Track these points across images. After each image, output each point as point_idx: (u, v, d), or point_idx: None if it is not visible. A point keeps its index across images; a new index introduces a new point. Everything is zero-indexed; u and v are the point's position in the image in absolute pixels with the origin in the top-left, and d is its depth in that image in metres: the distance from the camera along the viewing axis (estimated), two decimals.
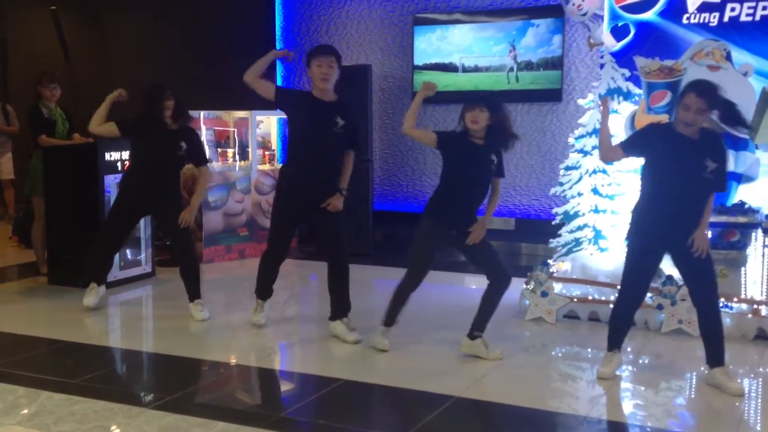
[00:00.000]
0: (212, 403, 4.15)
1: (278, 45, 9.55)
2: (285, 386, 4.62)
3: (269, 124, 8.60)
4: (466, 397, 4.12)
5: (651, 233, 4.30)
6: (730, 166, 5.41)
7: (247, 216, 7.98)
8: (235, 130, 8.11)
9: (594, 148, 6.08)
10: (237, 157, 8.06)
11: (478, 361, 4.70)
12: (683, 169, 4.18)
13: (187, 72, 9.05)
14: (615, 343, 4.49)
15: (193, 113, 7.70)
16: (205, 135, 7.90)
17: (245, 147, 8.11)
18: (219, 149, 8.07)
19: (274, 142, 8.68)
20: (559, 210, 6.28)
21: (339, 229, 5.10)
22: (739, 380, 4.34)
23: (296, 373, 4.73)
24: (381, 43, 9.18)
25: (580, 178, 6.13)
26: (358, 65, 8.53)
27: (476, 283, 6.92)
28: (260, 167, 8.12)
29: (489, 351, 4.72)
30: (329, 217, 5.05)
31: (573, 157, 6.21)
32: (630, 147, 4.47)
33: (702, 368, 4.60)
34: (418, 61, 8.88)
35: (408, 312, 5.18)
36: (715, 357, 4.31)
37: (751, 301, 5.12)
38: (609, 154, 4.55)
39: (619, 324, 4.49)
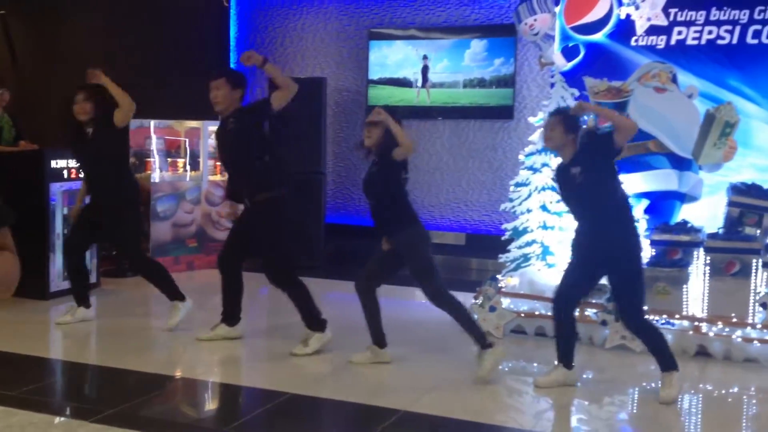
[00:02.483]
0: (155, 416, 4.08)
1: (232, 56, 9.51)
2: (230, 400, 4.57)
3: None
4: (412, 411, 4.13)
5: (582, 253, 4.43)
6: (673, 186, 5.55)
7: (197, 227, 7.90)
8: (187, 139, 8.03)
9: (543, 165, 6.18)
10: (188, 167, 7.99)
11: (426, 376, 4.71)
12: (570, 194, 4.38)
13: (138, 80, 8.94)
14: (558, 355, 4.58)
15: (143, 122, 7.67)
16: (155, 144, 7.82)
17: (196, 157, 8.03)
18: (169, 159, 7.99)
19: None
20: (509, 226, 6.35)
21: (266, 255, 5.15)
22: (677, 391, 4.37)
23: (242, 387, 4.68)
24: (336, 57, 9.20)
25: (529, 195, 6.21)
26: (313, 78, 8.53)
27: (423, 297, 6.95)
28: (211, 178, 8.05)
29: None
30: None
31: (523, 174, 6.29)
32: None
33: (644, 383, 4.69)
34: (373, 75, 8.92)
35: (353, 326, 5.18)
36: (659, 363, 4.40)
37: (692, 318, 5.22)
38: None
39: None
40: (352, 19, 9.11)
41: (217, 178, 8.13)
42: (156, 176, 7.68)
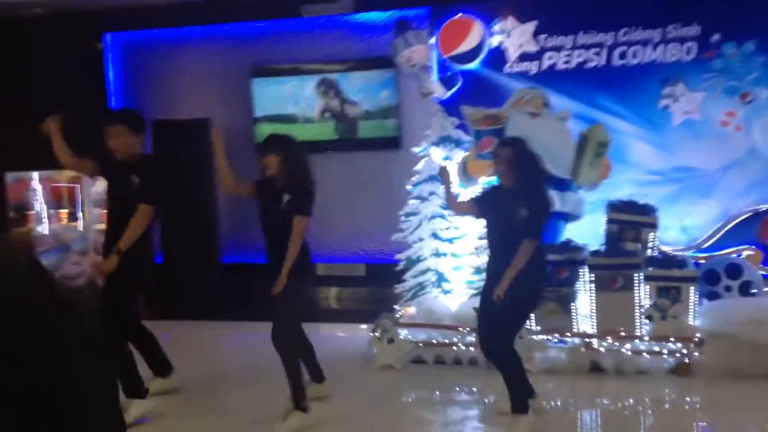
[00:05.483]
0: None
1: (112, 100, 9.25)
2: None
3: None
4: None
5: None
6: (556, 207, 5.72)
7: (86, 278, 7.61)
8: (76, 186, 7.78)
9: (431, 194, 6.26)
10: (75, 217, 7.72)
11: (323, 413, 4.55)
12: (498, 217, 4.25)
13: (15, 129, 8.59)
14: None
15: (22, 174, 7.37)
16: (41, 195, 7.57)
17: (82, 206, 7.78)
18: (53, 210, 7.70)
19: None
20: (402, 255, 6.39)
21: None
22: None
23: None
24: (219, 96, 9.07)
25: (419, 224, 6.28)
26: (197, 119, 8.40)
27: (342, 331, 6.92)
28: (99, 226, 7.80)
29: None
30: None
31: (412, 204, 6.37)
32: (477, 202, 4.57)
33: (544, 402, 4.79)
34: (259, 112, 8.86)
35: (230, 364, 5.08)
36: (512, 406, 4.14)
37: (582, 335, 5.34)
38: (461, 208, 4.76)
39: None
40: (233, 57, 9.02)
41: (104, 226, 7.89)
42: (43, 228, 7.40)
